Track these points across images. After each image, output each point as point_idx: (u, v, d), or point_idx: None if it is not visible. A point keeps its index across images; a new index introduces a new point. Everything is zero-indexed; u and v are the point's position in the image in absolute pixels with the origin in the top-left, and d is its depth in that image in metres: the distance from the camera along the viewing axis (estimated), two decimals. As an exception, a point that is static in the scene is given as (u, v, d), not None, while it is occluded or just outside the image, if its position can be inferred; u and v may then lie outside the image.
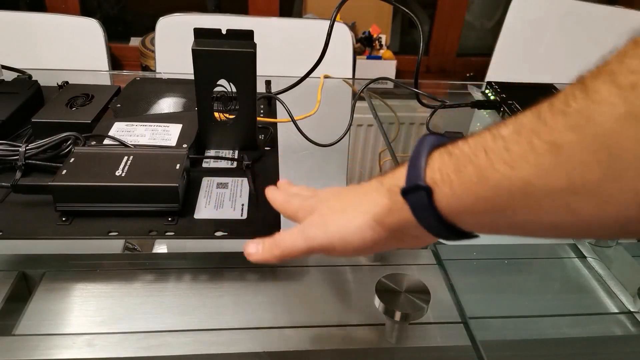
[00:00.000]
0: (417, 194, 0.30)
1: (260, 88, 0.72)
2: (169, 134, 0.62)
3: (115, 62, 1.86)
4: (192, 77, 0.60)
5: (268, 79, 0.82)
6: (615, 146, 0.21)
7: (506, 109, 0.81)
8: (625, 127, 0.20)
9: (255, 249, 0.41)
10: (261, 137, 0.69)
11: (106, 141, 0.61)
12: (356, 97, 0.88)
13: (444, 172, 0.29)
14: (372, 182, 0.37)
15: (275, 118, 0.75)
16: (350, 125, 0.74)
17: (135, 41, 1.91)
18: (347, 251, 0.37)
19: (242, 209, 0.55)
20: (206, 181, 0.59)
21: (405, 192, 0.31)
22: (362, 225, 0.35)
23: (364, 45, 1.96)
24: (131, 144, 0.60)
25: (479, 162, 0.27)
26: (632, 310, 0.51)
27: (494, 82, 0.89)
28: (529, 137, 0.24)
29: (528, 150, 0.24)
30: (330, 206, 0.39)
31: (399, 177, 0.33)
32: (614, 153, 0.21)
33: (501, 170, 0.25)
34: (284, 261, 0.39)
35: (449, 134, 0.76)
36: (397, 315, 0.41)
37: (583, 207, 0.23)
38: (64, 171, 0.52)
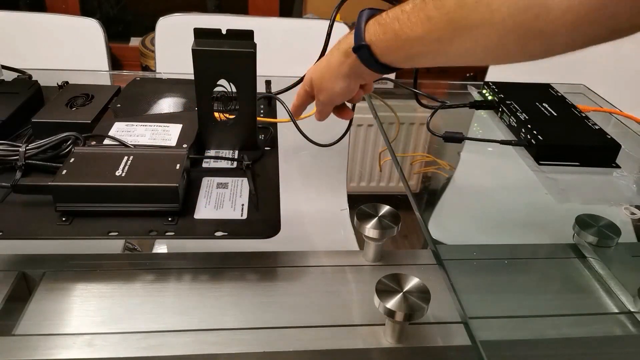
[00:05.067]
0: (362, 50, 0.50)
1: (260, 88, 0.72)
2: (169, 134, 0.62)
3: (115, 62, 1.85)
4: (192, 77, 0.60)
5: (268, 79, 0.82)
6: (456, 17, 0.41)
7: (504, 108, 0.81)
8: (459, 7, 0.40)
9: (317, 119, 0.64)
10: (261, 137, 0.69)
11: (106, 141, 0.61)
12: (356, 97, 0.87)
13: (376, 35, 0.48)
14: (333, 49, 0.56)
15: (275, 118, 0.75)
16: (350, 125, 0.74)
17: (135, 41, 1.90)
18: (341, 97, 0.58)
19: (242, 209, 0.55)
20: (206, 181, 0.59)
21: (355, 50, 0.51)
22: (338, 79, 0.56)
23: (364, 45, 1.96)
24: (131, 144, 0.60)
25: (394, 28, 0.46)
26: (632, 310, 0.51)
27: (492, 82, 0.90)
28: (419, 12, 0.44)
29: (419, 19, 0.44)
30: (318, 77, 0.59)
31: (349, 41, 0.51)
32: (455, 21, 0.41)
33: (407, 32, 0.45)
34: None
35: (448, 134, 0.76)
36: (397, 315, 0.41)
37: (449, 51, 0.44)
38: (64, 171, 0.52)
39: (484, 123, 0.86)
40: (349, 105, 0.65)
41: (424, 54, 0.46)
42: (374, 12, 0.50)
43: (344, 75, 0.55)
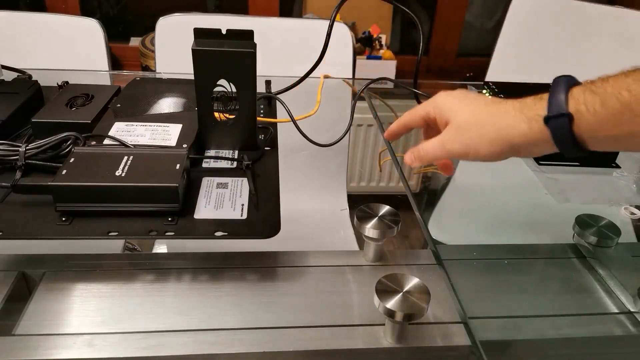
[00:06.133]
0: (560, 120, 0.40)
1: (260, 88, 0.72)
2: (169, 134, 0.62)
3: (115, 62, 1.85)
4: (192, 77, 0.60)
5: (268, 79, 0.82)
6: None
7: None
8: None
9: (409, 159, 0.52)
10: (261, 137, 0.69)
11: (106, 141, 0.61)
12: (356, 97, 0.88)
13: (590, 105, 0.39)
14: (507, 106, 0.45)
15: (275, 118, 0.75)
16: (350, 125, 0.74)
17: (135, 41, 1.90)
18: (477, 158, 0.47)
19: (242, 209, 0.55)
20: (206, 181, 0.59)
21: (548, 120, 0.41)
22: (494, 142, 0.44)
23: (364, 45, 1.96)
24: (131, 144, 0.60)
25: (623, 99, 0.38)
26: (632, 310, 0.51)
27: (492, 82, 0.89)
28: None
29: None
30: (465, 120, 0.47)
31: (538, 108, 0.42)
32: None
33: None
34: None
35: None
36: (397, 315, 0.41)
37: None
38: (64, 171, 0.52)
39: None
40: None
41: None
42: (574, 80, 0.42)
43: (509, 143, 0.44)
